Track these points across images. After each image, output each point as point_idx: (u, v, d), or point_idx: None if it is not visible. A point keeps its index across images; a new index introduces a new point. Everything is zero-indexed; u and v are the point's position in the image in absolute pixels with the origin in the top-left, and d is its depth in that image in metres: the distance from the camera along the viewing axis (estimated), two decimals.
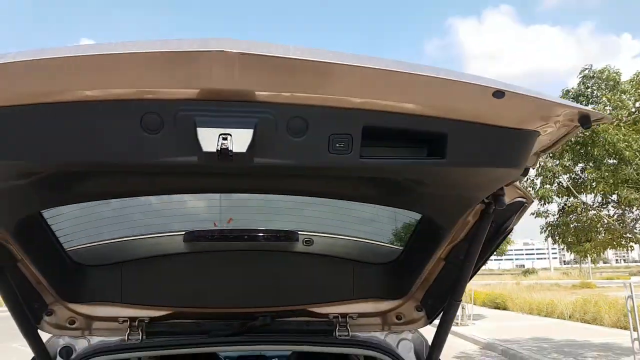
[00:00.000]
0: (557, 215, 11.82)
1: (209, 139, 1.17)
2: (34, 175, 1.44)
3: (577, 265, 79.75)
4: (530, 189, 11.22)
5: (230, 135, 1.16)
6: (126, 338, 2.35)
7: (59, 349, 2.35)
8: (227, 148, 1.16)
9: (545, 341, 14.36)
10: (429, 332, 2.51)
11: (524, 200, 1.87)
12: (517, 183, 1.70)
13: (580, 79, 11.15)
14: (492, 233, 1.92)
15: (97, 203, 1.89)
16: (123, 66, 1.08)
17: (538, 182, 11.39)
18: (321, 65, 1.08)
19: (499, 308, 25.90)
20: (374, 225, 2.21)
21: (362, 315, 2.48)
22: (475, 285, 33.28)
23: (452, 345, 14.86)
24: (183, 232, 2.15)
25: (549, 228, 11.77)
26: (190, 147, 1.18)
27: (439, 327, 2.27)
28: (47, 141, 1.23)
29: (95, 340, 2.41)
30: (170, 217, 2.13)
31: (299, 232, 2.21)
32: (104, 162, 1.30)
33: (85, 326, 2.41)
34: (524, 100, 1.19)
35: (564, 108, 1.27)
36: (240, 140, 1.17)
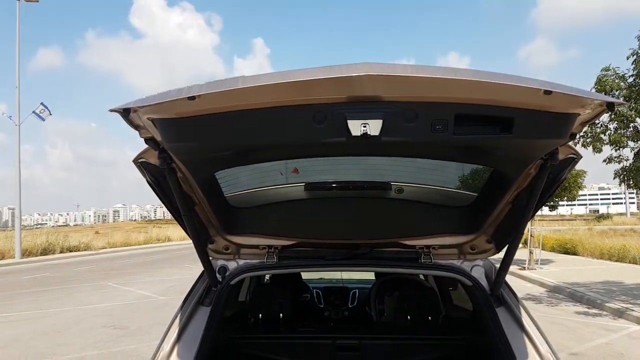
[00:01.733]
0: (632, 160, 11.67)
1: (355, 126, 1.76)
2: (233, 150, 2.13)
3: None
4: (603, 135, 11.14)
5: (368, 124, 1.75)
6: (265, 260, 3.11)
7: (217, 268, 3.14)
8: (367, 132, 1.76)
9: (614, 284, 14.44)
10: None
11: (575, 156, 2.34)
12: (570, 143, 2.16)
13: None
14: (549, 182, 2.40)
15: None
16: (306, 86, 1.66)
17: (612, 127, 11.25)
18: (426, 78, 1.61)
19: (568, 253, 25.66)
20: (453, 177, 2.71)
21: (442, 247, 3.07)
22: (544, 230, 32.80)
23: (518, 288, 15.19)
24: (304, 183, 2.78)
25: (623, 173, 11.67)
26: (343, 132, 1.78)
27: (506, 254, 2.80)
28: (258, 129, 1.88)
29: (242, 262, 3.19)
30: (294, 173, 2.76)
31: (392, 183, 2.77)
32: (292, 142, 1.97)
33: (236, 252, 3.18)
34: (566, 95, 1.65)
35: (595, 99, 1.71)
36: (374, 126, 1.76)
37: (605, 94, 10.71)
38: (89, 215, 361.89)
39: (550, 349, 2.61)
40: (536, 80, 1.61)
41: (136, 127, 1.99)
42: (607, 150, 11.40)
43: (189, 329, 2.85)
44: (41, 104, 29.31)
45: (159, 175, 2.42)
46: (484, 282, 2.99)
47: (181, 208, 2.51)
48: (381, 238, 3.06)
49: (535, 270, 18.63)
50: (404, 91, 1.71)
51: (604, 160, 11.49)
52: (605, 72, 11.07)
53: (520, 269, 18.82)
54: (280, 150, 2.25)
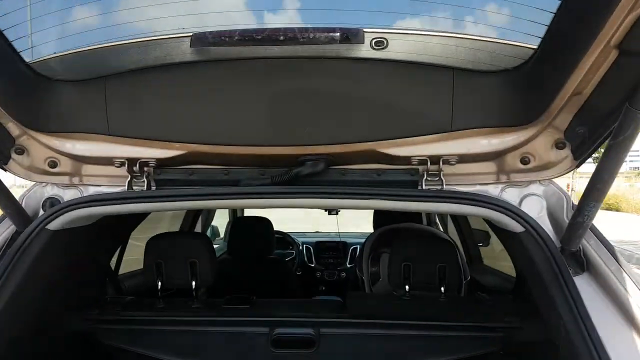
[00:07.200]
0: None
1: None
2: None
3: None
4: None
5: None
6: (126, 187, 1.72)
7: (42, 202, 1.80)
8: None
9: None
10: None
11: None
12: None
13: None
14: None
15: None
16: None
17: None
18: None
19: (610, 209, 24.16)
20: (485, 11, 1.30)
21: (463, 158, 1.61)
22: (582, 186, 30.84)
23: None
24: (190, 34, 1.40)
25: None
26: None
27: (598, 167, 1.35)
28: None
29: (91, 190, 1.80)
30: (173, 13, 1.43)
31: (365, 30, 1.35)
32: None
33: (73, 171, 1.80)
34: None
35: None
36: None
37: None
38: None
39: None
40: None
41: None
42: None
43: None
44: None
45: None
46: (547, 227, 1.63)
47: None
48: (345, 141, 1.59)
49: None
50: None
51: None
52: None
53: None
54: None
